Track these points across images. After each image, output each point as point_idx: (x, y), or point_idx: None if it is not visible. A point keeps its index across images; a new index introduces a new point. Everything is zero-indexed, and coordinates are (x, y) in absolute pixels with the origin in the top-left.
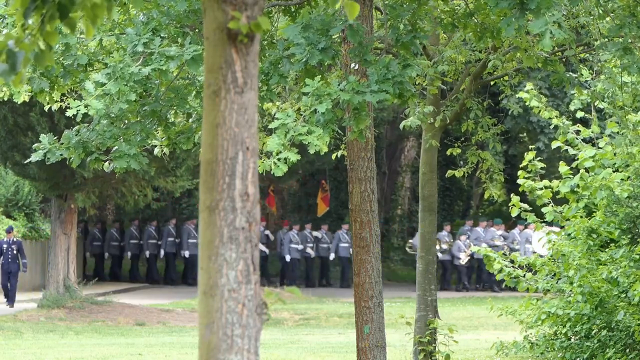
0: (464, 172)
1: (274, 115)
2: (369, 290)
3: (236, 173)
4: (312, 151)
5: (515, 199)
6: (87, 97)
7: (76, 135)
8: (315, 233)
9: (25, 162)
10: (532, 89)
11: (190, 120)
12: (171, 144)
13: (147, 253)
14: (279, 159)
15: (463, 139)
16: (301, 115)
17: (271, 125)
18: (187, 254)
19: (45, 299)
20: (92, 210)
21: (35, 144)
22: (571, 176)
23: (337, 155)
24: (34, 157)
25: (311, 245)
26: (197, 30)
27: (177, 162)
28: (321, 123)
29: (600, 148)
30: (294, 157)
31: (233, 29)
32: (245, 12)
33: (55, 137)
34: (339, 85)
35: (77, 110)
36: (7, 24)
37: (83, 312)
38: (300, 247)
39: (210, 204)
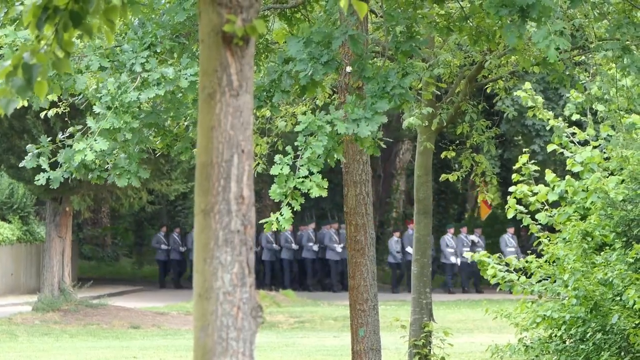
0: (458, 176)
1: (268, 118)
2: (364, 293)
3: (231, 176)
4: (313, 196)
5: (511, 200)
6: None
7: (75, 154)
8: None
9: (35, 182)
10: (530, 88)
11: (185, 123)
12: (166, 147)
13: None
14: (281, 214)
15: (458, 142)
16: (298, 153)
17: (272, 171)
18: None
19: (40, 302)
20: (87, 213)
21: (38, 174)
22: (559, 183)
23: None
24: (39, 182)
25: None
26: (191, 35)
27: (172, 165)
28: (321, 159)
29: (595, 147)
30: (297, 205)
31: (228, 32)
32: (241, 15)
33: (50, 140)
34: (336, 110)
35: (84, 156)
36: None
37: (78, 315)
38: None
39: (205, 207)
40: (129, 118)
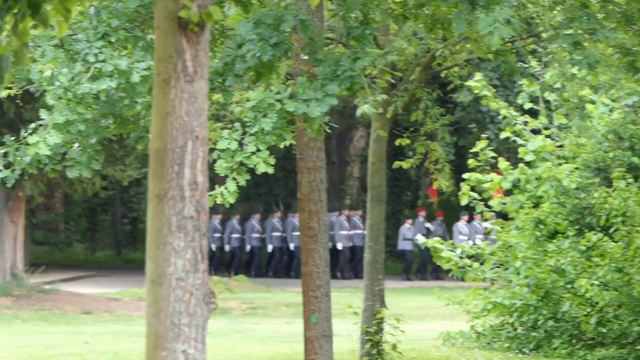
0: (412, 164)
1: (223, 104)
2: (317, 280)
3: (185, 162)
4: (259, 172)
5: (465, 187)
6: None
7: (28, 148)
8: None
9: None
10: (481, 79)
11: (139, 107)
12: (124, 135)
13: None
14: (226, 189)
15: (412, 129)
16: (246, 129)
17: (219, 146)
18: (292, 246)
19: None
20: (39, 199)
21: None
22: (512, 171)
23: (285, 144)
24: None
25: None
26: (146, 23)
27: (126, 151)
28: (269, 136)
29: (548, 136)
30: (242, 180)
31: (184, 18)
32: (197, 1)
33: (14, 139)
34: (286, 89)
35: (39, 149)
36: None
37: (30, 301)
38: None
39: (159, 192)
40: (82, 109)
